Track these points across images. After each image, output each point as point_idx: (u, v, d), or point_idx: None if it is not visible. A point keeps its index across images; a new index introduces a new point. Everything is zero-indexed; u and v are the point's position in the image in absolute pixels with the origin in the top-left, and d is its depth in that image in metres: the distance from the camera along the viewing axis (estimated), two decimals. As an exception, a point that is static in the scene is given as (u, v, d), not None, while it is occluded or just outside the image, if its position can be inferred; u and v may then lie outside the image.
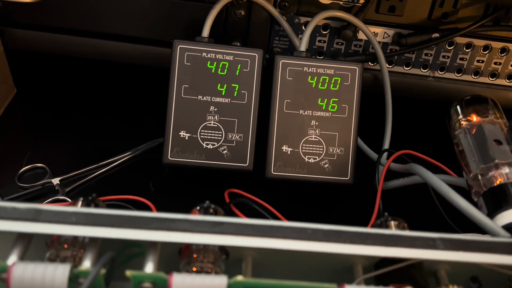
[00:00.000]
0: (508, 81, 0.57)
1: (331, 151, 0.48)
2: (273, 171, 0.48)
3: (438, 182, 0.35)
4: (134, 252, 0.29)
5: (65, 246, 0.28)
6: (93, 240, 0.26)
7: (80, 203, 0.31)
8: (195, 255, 0.29)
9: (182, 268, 0.28)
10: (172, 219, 0.25)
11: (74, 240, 0.28)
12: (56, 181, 0.48)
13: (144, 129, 0.55)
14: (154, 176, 0.51)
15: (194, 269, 0.28)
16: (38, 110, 0.56)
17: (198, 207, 0.31)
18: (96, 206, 0.31)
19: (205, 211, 0.30)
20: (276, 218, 0.48)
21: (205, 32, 0.49)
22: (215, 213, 0.31)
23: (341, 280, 0.30)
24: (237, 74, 0.47)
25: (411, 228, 0.47)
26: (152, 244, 0.26)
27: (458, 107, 0.41)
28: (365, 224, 0.46)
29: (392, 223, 0.31)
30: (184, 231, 0.25)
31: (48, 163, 0.49)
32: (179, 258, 0.29)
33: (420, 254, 0.26)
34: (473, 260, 0.26)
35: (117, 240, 0.25)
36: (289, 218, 0.48)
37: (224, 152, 0.47)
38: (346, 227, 0.27)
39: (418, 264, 0.29)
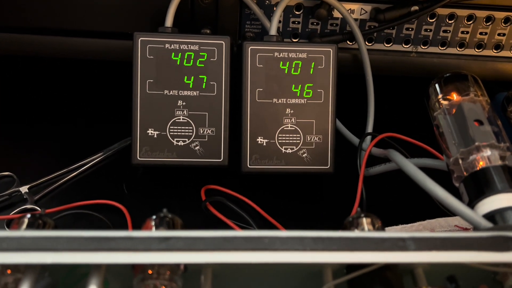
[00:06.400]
0: (495, 51, 0.54)
1: (308, 139, 0.46)
2: (249, 165, 0.45)
3: (414, 170, 0.32)
4: (84, 271, 0.27)
5: (8, 271, 0.26)
6: (31, 265, 0.24)
7: (26, 221, 0.29)
8: (149, 271, 0.27)
9: (135, 286, 0.26)
10: (112, 238, 0.23)
11: (16, 265, 0.26)
12: (24, 189, 0.46)
13: (115, 128, 0.52)
14: (128, 177, 0.48)
15: (148, 287, 0.26)
16: (0, 116, 0.54)
17: (154, 217, 0.29)
18: (44, 223, 0.29)
19: (160, 222, 0.28)
20: (255, 212, 0.46)
21: (168, 22, 0.46)
22: (172, 223, 0.29)
23: (311, 285, 0.28)
24: (204, 64, 0.45)
25: (398, 217, 0.45)
26: (95, 265, 0.24)
27: (436, 85, 0.39)
28: (349, 214, 0.43)
29: (364, 220, 0.29)
30: (127, 251, 0.23)
31: (15, 170, 0.47)
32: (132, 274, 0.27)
33: (389, 258, 0.24)
34: (448, 260, 0.24)
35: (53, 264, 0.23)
36: (270, 211, 0.46)
37: (196, 148, 0.45)
38: (308, 232, 0.25)
39: (393, 265, 0.27)
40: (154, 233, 0.24)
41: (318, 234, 0.24)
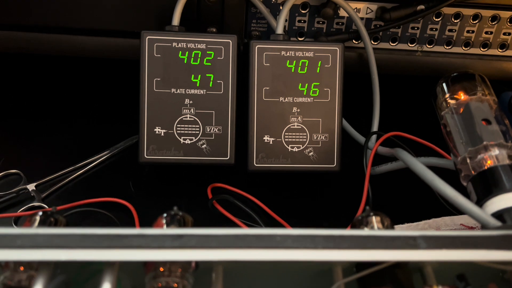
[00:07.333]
0: (500, 50, 0.54)
1: (315, 138, 0.46)
2: (256, 163, 0.46)
3: (423, 169, 0.32)
4: (96, 268, 0.27)
5: (21, 268, 0.26)
6: (44, 262, 0.24)
7: (38, 219, 0.29)
8: (161, 269, 0.27)
9: (147, 283, 0.26)
10: (125, 235, 0.23)
11: (30, 261, 0.26)
12: (31, 187, 0.46)
13: (121, 126, 0.53)
14: (134, 175, 0.49)
15: (160, 284, 0.26)
16: (7, 114, 0.54)
17: (164, 215, 0.29)
18: (56, 221, 0.29)
19: (171, 220, 0.28)
20: (262, 210, 0.46)
21: (175, 20, 0.46)
22: (183, 221, 0.29)
23: (320, 283, 0.28)
24: (211, 63, 0.45)
25: (404, 216, 0.45)
26: (109, 262, 0.24)
27: (444, 85, 0.39)
28: (355, 213, 0.44)
29: (374, 219, 0.29)
30: (140, 248, 0.23)
31: (22, 168, 0.47)
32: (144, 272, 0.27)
33: (400, 256, 0.24)
34: (458, 258, 0.24)
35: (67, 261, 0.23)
36: (276, 209, 0.46)
37: (203, 146, 0.45)
38: (319, 230, 0.25)
39: (403, 263, 0.27)
40: (167, 230, 0.24)
41: (329, 232, 0.25)
